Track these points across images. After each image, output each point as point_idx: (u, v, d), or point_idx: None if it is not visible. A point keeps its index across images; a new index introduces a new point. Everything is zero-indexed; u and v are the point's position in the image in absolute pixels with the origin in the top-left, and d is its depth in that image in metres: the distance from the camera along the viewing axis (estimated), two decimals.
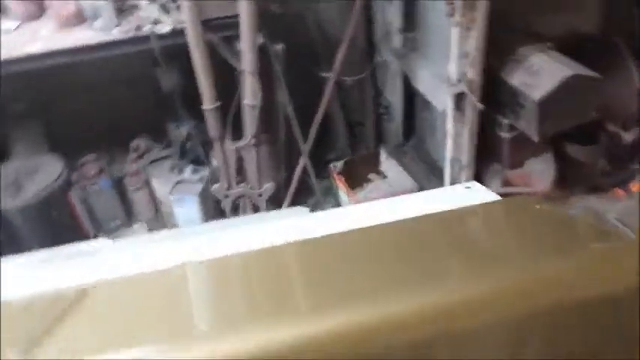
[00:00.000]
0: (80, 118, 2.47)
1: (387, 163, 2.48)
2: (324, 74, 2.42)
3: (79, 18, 2.22)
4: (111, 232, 2.48)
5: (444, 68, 1.91)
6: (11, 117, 2.41)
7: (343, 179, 2.38)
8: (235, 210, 2.26)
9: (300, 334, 0.67)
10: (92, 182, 2.41)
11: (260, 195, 2.20)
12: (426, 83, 2.24)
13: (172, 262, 0.83)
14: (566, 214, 0.88)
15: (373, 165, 2.47)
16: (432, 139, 2.48)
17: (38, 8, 2.30)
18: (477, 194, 1.04)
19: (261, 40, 2.04)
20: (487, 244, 0.84)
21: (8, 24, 2.26)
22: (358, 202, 2.30)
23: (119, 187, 2.49)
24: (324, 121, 2.53)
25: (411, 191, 2.35)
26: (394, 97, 2.68)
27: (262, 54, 2.06)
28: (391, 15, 2.45)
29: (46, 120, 2.50)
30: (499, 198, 1.01)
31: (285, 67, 2.26)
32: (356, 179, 2.41)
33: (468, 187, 1.07)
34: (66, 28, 2.21)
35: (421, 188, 2.39)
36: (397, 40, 2.47)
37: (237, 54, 2.04)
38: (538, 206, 0.92)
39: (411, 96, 2.56)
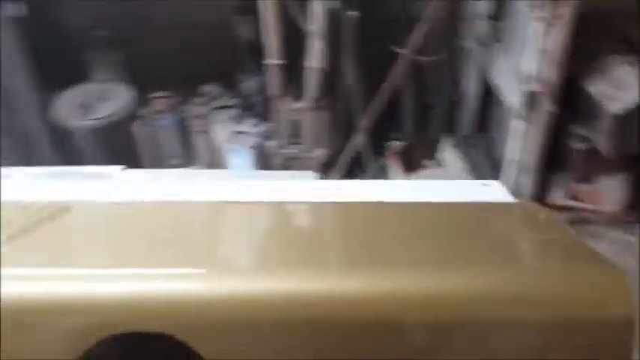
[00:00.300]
0: (157, 55, 2.55)
1: (448, 153, 2.40)
2: (399, 50, 2.36)
3: None
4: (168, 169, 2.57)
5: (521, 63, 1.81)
6: (93, 42, 2.52)
7: (398, 161, 2.32)
8: (285, 169, 2.27)
9: (328, 287, 0.66)
10: (158, 118, 2.49)
11: (311, 160, 2.20)
12: (500, 76, 2.13)
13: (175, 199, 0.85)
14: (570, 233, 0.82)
15: (432, 152, 2.40)
16: (500, 136, 2.37)
17: None
18: (491, 193, 0.99)
19: (335, 4, 2.01)
20: (466, 243, 0.79)
21: None
22: None
23: (183, 127, 2.56)
24: (393, 99, 2.48)
25: None
26: (470, 85, 2.57)
27: (335, 19, 2.03)
28: None
29: (125, 51, 2.59)
30: (513, 200, 0.95)
31: (359, 37, 2.21)
32: (412, 163, 2.35)
33: (486, 185, 1.02)
34: None
35: None
36: (482, 27, 2.36)
37: (308, 15, 2.02)
38: (544, 216, 0.86)
39: (488, 87, 2.45)
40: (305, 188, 0.97)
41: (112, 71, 2.53)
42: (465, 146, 2.52)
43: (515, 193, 2.07)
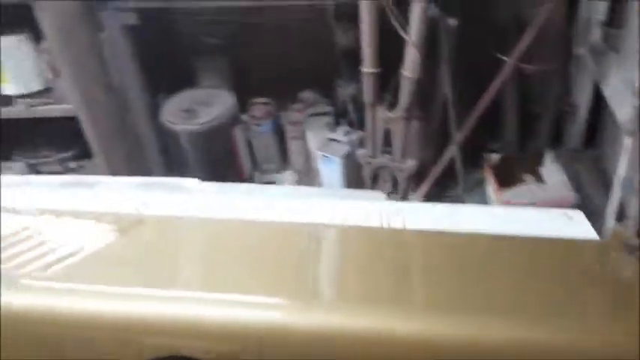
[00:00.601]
0: (259, 62, 2.64)
1: (550, 168, 2.25)
2: (503, 58, 2.25)
3: None
4: (264, 173, 2.66)
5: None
6: (203, 50, 2.67)
7: (494, 174, 2.22)
8: (375, 179, 2.26)
9: (411, 328, 0.66)
10: (258, 123, 2.58)
11: (401, 170, 2.16)
12: (612, 87, 1.96)
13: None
14: None
15: (533, 166, 2.26)
16: (610, 152, 2.18)
17: None
18: (572, 225, 0.91)
19: (434, 11, 1.96)
20: (544, 286, 0.74)
21: None
22: (502, 201, 2.13)
23: (280, 133, 2.63)
24: (495, 108, 2.37)
25: (568, 204, 2.11)
26: (582, 96, 2.40)
27: (433, 26, 1.98)
28: (596, 4, 2.17)
29: (230, 58, 2.71)
30: (593, 236, 0.87)
31: (459, 44, 2.14)
32: (510, 177, 2.23)
33: (570, 217, 0.93)
34: None
35: (582, 203, 2.14)
36: (597, 35, 2.19)
37: (406, 23, 1.98)
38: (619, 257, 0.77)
39: (601, 98, 2.27)
40: (373, 211, 0.95)
41: (218, 77, 2.67)
42: (571, 161, 2.35)
43: (619, 215, 1.91)
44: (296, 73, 2.61)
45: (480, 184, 2.39)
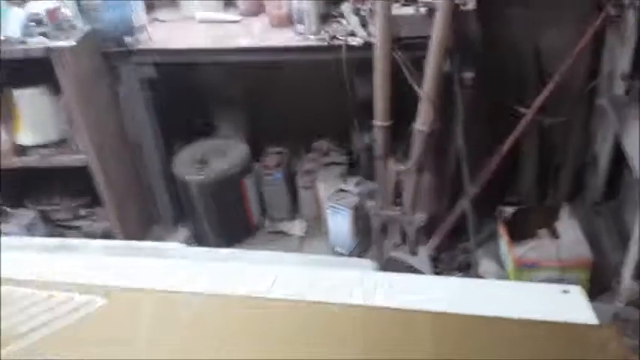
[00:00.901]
0: (276, 111, 2.67)
1: (566, 222, 2.17)
2: (521, 109, 2.21)
3: (289, 20, 2.37)
4: (273, 221, 2.64)
5: None
6: (220, 101, 2.71)
7: (506, 229, 2.15)
8: (383, 231, 2.21)
9: None
10: (269, 173, 2.58)
11: (410, 223, 2.11)
12: (631, 140, 1.89)
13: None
14: None
15: (549, 220, 2.18)
16: (632, 206, 2.09)
17: (258, 7, 2.50)
18: (569, 304, 0.85)
19: (448, 67, 1.95)
20: None
21: (233, 16, 2.51)
22: (515, 257, 2.06)
23: (291, 181, 2.62)
24: (513, 159, 2.32)
25: (583, 262, 2.02)
26: (603, 148, 2.33)
27: (449, 80, 1.97)
28: (619, 56, 2.12)
29: (247, 108, 2.74)
30: (594, 320, 0.81)
31: (477, 96, 2.12)
32: (524, 230, 2.16)
33: (566, 292, 0.88)
34: (276, 27, 2.38)
35: (598, 260, 2.05)
36: (619, 87, 2.14)
37: (421, 77, 1.97)
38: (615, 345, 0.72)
39: (622, 151, 2.20)
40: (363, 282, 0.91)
41: (234, 128, 2.69)
42: (589, 215, 2.27)
43: (636, 272, 1.81)
44: (311, 123, 2.63)
45: (494, 235, 2.32)
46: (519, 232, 2.15)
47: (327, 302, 0.84)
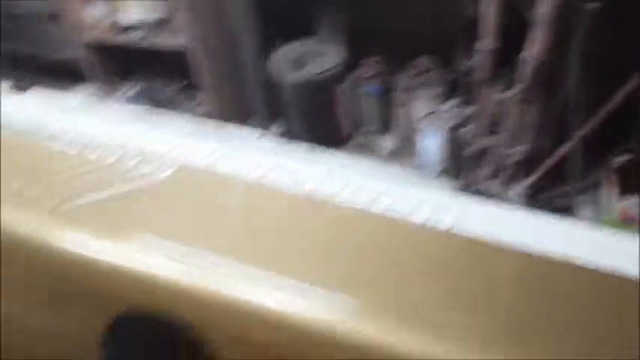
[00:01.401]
0: (379, 20, 2.50)
1: None
2: None
3: None
4: (363, 135, 2.56)
5: None
6: (324, 3, 2.57)
7: (617, 178, 1.94)
8: (476, 160, 2.07)
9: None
10: (365, 84, 2.47)
11: (507, 155, 1.96)
12: None
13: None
14: None
15: None
16: None
17: None
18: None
19: None
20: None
21: None
22: (623, 209, 1.87)
23: (386, 97, 2.50)
24: (630, 104, 2.07)
25: None
26: None
27: (568, 8, 1.73)
28: None
29: (350, 12, 2.59)
30: None
31: (596, 30, 1.86)
32: (635, 185, 1.94)
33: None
34: None
35: None
36: None
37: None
38: None
39: None
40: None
41: (331, 31, 2.57)
42: None
43: None
44: (414, 39, 2.45)
45: (599, 184, 2.11)
46: (630, 184, 1.94)
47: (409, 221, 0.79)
